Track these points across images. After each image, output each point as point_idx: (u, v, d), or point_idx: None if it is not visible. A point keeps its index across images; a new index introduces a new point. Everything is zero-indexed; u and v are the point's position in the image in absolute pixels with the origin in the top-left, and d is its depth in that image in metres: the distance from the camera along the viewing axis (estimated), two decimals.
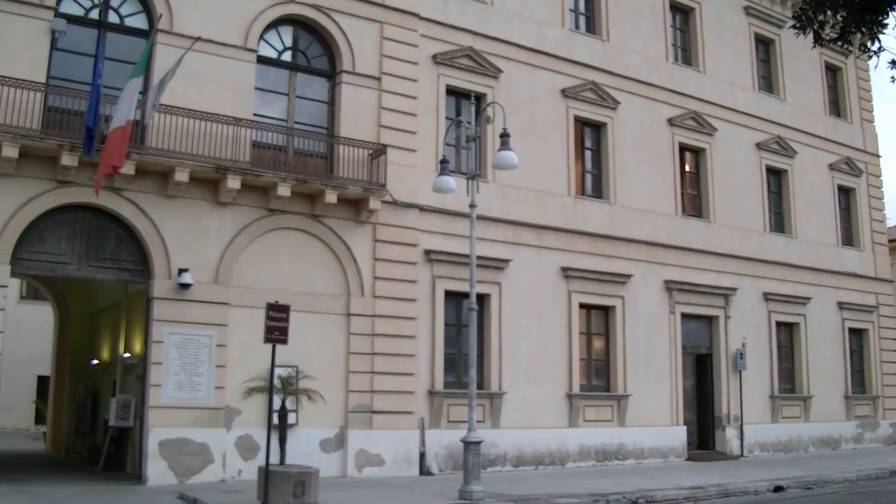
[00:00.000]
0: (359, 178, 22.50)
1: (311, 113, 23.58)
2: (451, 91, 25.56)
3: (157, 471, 19.89)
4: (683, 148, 30.88)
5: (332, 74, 23.88)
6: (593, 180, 28.66)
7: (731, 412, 30.26)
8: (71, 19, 20.53)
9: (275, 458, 16.96)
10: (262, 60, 22.80)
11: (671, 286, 29.01)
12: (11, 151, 18.60)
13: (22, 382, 39.42)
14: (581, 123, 28.47)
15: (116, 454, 23.56)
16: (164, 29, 21.10)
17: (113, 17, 21.33)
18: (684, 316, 29.54)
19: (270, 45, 23.18)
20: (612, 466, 26.29)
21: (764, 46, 34.79)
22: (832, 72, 37.30)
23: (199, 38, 20.29)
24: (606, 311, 27.86)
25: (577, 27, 29.10)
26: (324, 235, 22.57)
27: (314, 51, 23.85)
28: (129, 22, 21.49)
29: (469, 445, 18.62)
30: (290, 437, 19.16)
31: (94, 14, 21.07)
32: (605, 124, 28.79)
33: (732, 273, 31.07)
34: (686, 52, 32.17)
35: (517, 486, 20.60)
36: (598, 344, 27.79)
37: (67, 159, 19.05)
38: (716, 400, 30.34)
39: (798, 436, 32.11)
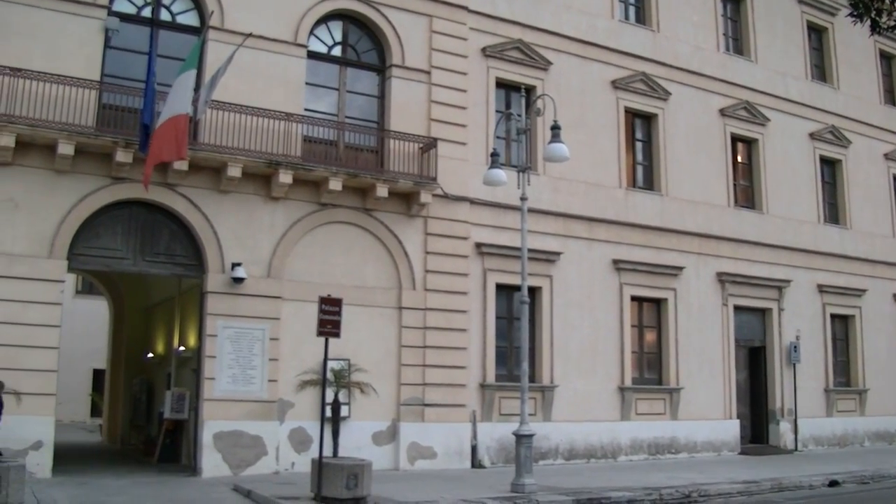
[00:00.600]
0: (409, 172, 22.55)
1: (362, 107, 23.66)
2: (501, 84, 25.49)
3: (211, 463, 20.13)
4: (735, 138, 30.55)
5: (381, 69, 23.95)
6: (644, 172, 28.47)
7: (785, 406, 29.92)
8: (124, 17, 20.82)
9: (328, 451, 17.04)
10: (312, 56, 22.92)
11: (724, 278, 28.74)
12: (67, 149, 18.89)
13: (78, 376, 39.99)
14: (631, 115, 28.28)
15: (171, 446, 23.86)
16: (215, 26, 21.29)
17: (165, 15, 21.59)
18: (737, 308, 29.26)
19: (321, 40, 23.28)
20: (664, 460, 26.16)
21: (816, 35, 34.28)
22: (887, 60, 36.66)
23: (250, 35, 20.41)
24: (658, 303, 27.69)
25: (626, 18, 28.89)
26: (375, 229, 22.66)
27: (364, 45, 23.92)
28: (180, 19, 21.73)
29: (521, 438, 18.61)
30: (343, 430, 19.25)
31: (147, 12, 21.38)
32: (655, 115, 28.57)
33: (786, 265, 30.69)
34: (737, 41, 31.80)
35: (569, 480, 20.54)
36: (649, 337, 27.62)
37: (122, 156, 19.32)
38: (769, 393, 30.02)
39: (853, 430, 31.68)
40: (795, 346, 30.10)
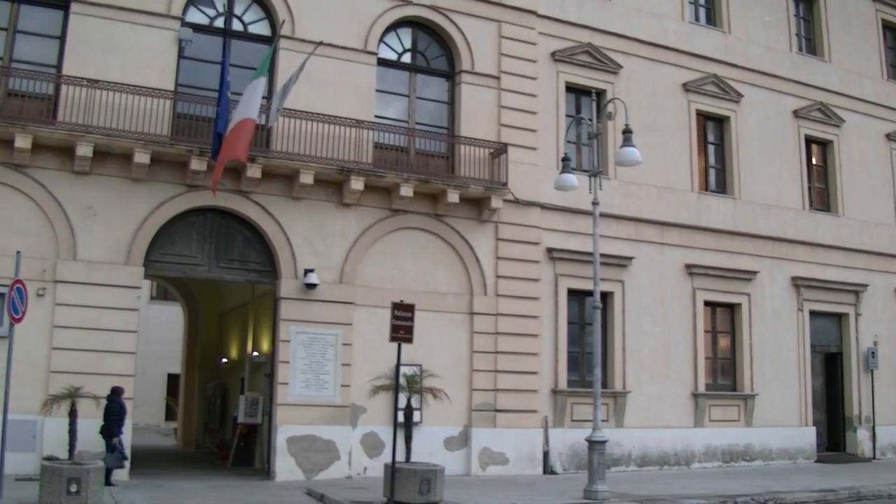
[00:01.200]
0: (480, 178, 22.55)
1: (431, 113, 23.73)
2: (571, 88, 25.39)
3: (284, 467, 20.33)
4: (810, 140, 30.02)
5: (451, 74, 24.00)
6: (717, 175, 28.14)
7: (863, 413, 29.33)
8: (197, 28, 21.18)
9: (400, 456, 17.09)
10: (382, 63, 23.06)
11: (799, 283, 28.28)
12: (143, 157, 19.26)
13: (153, 380, 40.63)
14: (703, 117, 27.98)
15: (245, 450, 24.10)
16: (286, 35, 21.54)
17: (237, 25, 21.90)
18: (813, 313, 28.74)
19: (390, 47, 23.41)
20: (738, 468, 25.80)
21: (892, 33, 33.58)
22: None
23: (320, 43, 20.56)
24: (732, 308, 27.33)
25: (696, 19, 28.58)
26: (446, 235, 22.70)
27: (433, 51, 24.00)
28: (252, 29, 22.03)
29: (594, 445, 18.47)
30: (415, 435, 19.27)
31: (219, 22, 21.68)
32: (727, 118, 28.22)
33: (863, 269, 30.05)
34: (810, 41, 31.28)
35: (642, 487, 20.39)
36: (723, 342, 27.29)
37: (196, 164, 19.63)
38: (846, 400, 29.42)
39: None
40: (873, 352, 29.48)
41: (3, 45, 19.68)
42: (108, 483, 17.51)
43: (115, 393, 18.56)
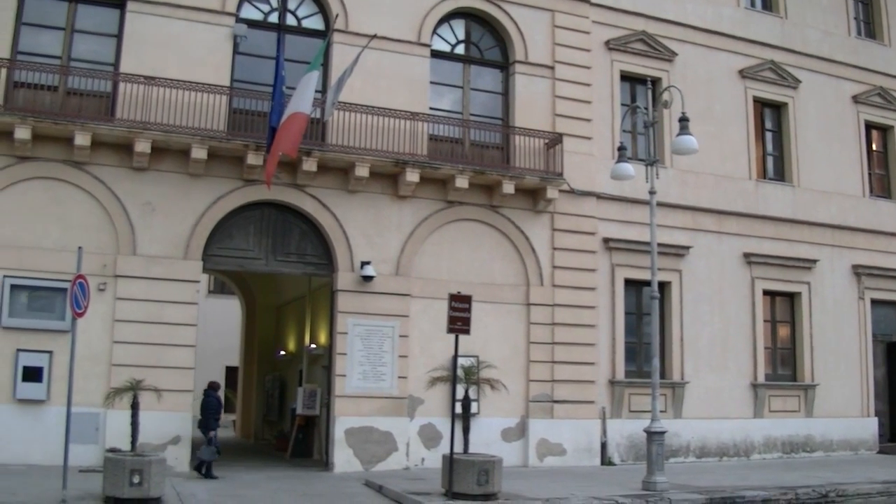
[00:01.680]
0: (535, 168, 22.48)
1: (485, 104, 23.67)
2: (626, 77, 25.22)
3: (343, 458, 20.47)
4: (870, 126, 29.47)
5: (505, 65, 23.92)
6: (775, 163, 27.78)
7: None
8: (251, 24, 21.38)
9: (458, 447, 17.10)
10: (435, 54, 23.06)
11: (860, 271, 27.83)
12: (200, 153, 19.48)
13: (212, 373, 40.65)
14: (760, 104, 27.62)
15: (303, 441, 24.29)
16: (340, 28, 21.63)
17: (291, 20, 22.02)
18: (874, 302, 28.26)
19: (443, 38, 23.40)
20: (798, 459, 25.51)
21: None
22: None
23: (374, 36, 20.61)
24: (791, 297, 26.98)
25: (752, 5, 28.19)
26: (502, 226, 22.66)
27: (486, 42, 23.94)
28: (306, 24, 22.15)
29: (652, 435, 18.39)
30: (472, 426, 19.27)
31: (273, 18, 21.83)
32: (785, 104, 27.84)
33: None
34: (869, 24, 30.67)
35: (701, 478, 20.21)
36: (783, 332, 26.96)
37: (252, 158, 19.79)
38: None
39: None
40: None
41: (62, 44, 19.99)
42: (209, 475, 18.47)
43: (212, 388, 19.43)
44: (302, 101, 18.24)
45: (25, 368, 18.36)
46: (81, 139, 18.65)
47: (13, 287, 18.59)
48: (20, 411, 18.28)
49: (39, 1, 19.96)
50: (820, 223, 27.39)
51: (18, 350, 18.40)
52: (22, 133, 18.32)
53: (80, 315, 15.72)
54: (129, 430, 15.36)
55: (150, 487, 14.22)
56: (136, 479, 14.06)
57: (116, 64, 20.05)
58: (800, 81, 27.88)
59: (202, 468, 18.80)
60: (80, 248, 16.29)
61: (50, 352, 18.52)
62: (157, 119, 19.19)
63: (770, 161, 27.75)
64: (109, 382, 18.13)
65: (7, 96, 18.82)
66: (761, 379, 25.60)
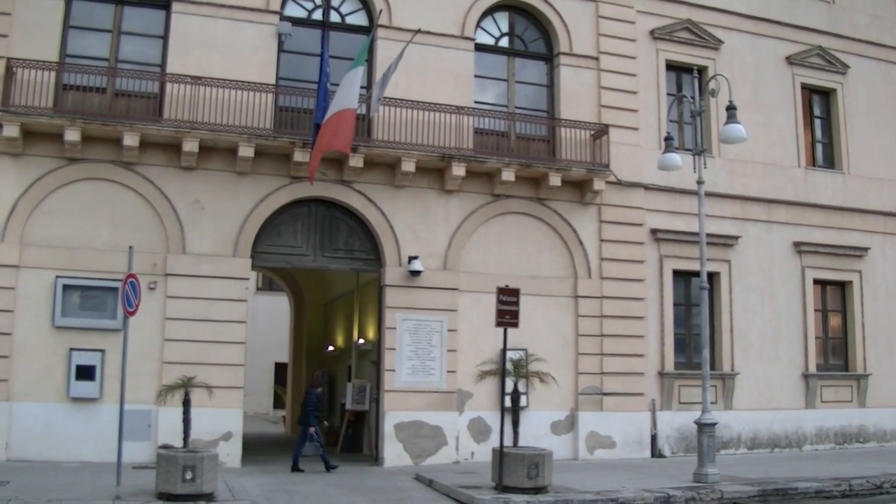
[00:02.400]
0: (582, 160, 22.38)
1: (530, 96, 23.60)
2: (671, 66, 25.01)
3: (392, 452, 20.54)
4: None
5: (549, 57, 23.83)
6: (824, 150, 27.41)
7: None
8: (295, 22, 21.50)
9: (507, 441, 17.09)
10: (479, 48, 23.03)
11: None
12: (248, 151, 19.63)
13: (261, 369, 41.39)
14: (808, 91, 27.27)
15: (353, 436, 24.40)
16: (383, 24, 21.64)
17: (334, 17, 22.11)
18: None
19: (487, 32, 23.34)
20: (851, 449, 25.19)
21: None
22: None
23: (418, 31, 20.59)
24: (842, 286, 26.63)
25: None
26: (549, 218, 22.59)
27: (531, 35, 23.85)
28: (349, 20, 22.23)
29: (703, 427, 18.27)
30: (522, 420, 19.20)
31: (317, 15, 21.91)
32: (834, 90, 27.47)
33: None
34: None
35: (752, 469, 20.05)
36: (834, 321, 26.62)
37: (299, 155, 19.89)
38: None
39: None
40: None
41: (109, 46, 20.23)
42: (295, 469, 19.48)
43: (313, 385, 20.08)
44: (348, 98, 18.33)
45: (78, 367, 18.64)
46: (130, 140, 18.86)
47: (65, 287, 18.85)
48: (74, 409, 18.55)
49: (86, 4, 20.21)
50: (871, 210, 26.99)
51: (71, 349, 18.68)
52: (72, 135, 18.56)
53: (132, 314, 15.92)
54: (181, 427, 15.46)
55: (203, 483, 14.33)
56: (188, 476, 14.17)
57: (163, 65, 20.26)
58: (848, 67, 27.48)
59: (325, 463, 19.63)
60: (130, 247, 16.55)
61: (102, 350, 18.76)
62: (205, 118, 19.36)
63: (819, 148, 27.39)
64: (161, 380, 18.33)
65: (56, 99, 19.09)
66: (812, 369, 25.30)
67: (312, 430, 19.67)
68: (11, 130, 18.31)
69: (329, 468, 19.49)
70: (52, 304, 18.72)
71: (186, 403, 15.55)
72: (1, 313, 18.35)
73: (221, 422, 19.13)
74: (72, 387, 18.54)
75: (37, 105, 18.54)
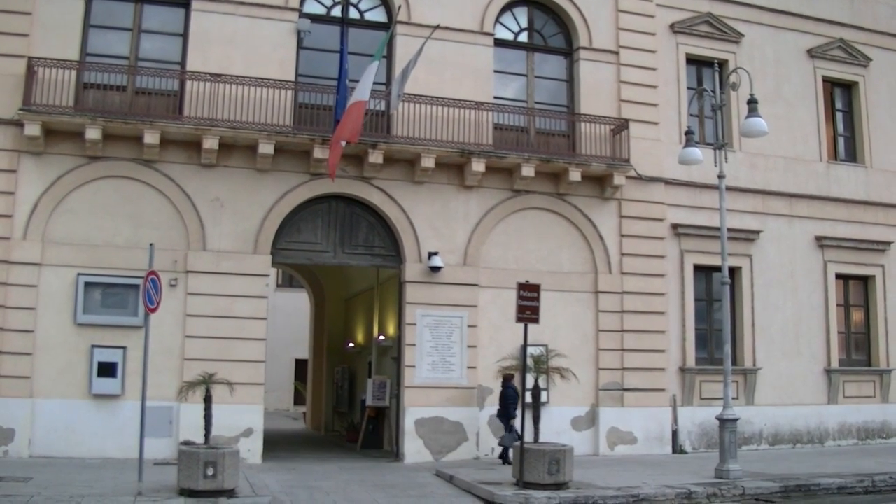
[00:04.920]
0: (602, 155, 22.32)
1: (550, 91, 23.53)
2: (691, 60, 24.89)
3: (413, 448, 20.57)
4: None
5: (569, 52, 23.76)
6: (846, 143, 27.21)
7: None
8: (314, 18, 21.54)
9: (528, 436, 17.08)
10: (499, 43, 22.98)
11: None
12: (267, 148, 19.68)
13: (281, 366, 41.49)
14: (830, 84, 27.09)
15: (373, 433, 24.41)
16: (402, 20, 21.67)
17: (353, 14, 22.12)
18: None
19: (506, 27, 23.30)
20: (874, 445, 25.02)
21: None
22: None
23: (437, 27, 20.58)
24: (865, 281, 26.44)
25: None
26: (569, 213, 22.54)
27: (550, 29, 23.78)
28: (368, 16, 22.25)
29: (725, 423, 18.22)
30: (542, 416, 19.16)
31: (336, 11, 21.94)
32: (856, 83, 27.26)
33: None
34: None
35: (775, 465, 19.96)
36: (857, 316, 26.43)
37: (319, 152, 19.91)
38: None
39: None
40: None
41: (129, 44, 20.32)
42: (505, 461, 19.85)
43: (508, 380, 20.07)
44: (361, 90, 18.36)
45: (100, 364, 18.76)
46: (151, 138, 18.95)
47: (87, 284, 18.97)
48: (96, 406, 18.67)
49: (106, 2, 20.32)
50: (894, 204, 26.76)
51: (93, 346, 18.80)
52: (92, 133, 18.67)
53: (153, 311, 15.99)
54: (203, 424, 15.51)
55: (224, 479, 14.37)
56: (210, 472, 14.21)
57: (183, 62, 20.34)
58: (870, 59, 27.26)
59: (506, 454, 19.91)
60: (151, 244, 16.61)
61: (124, 347, 18.87)
62: (224, 116, 19.41)
63: (841, 142, 27.21)
64: (182, 376, 18.39)
65: (77, 98, 19.21)
66: (835, 364, 25.16)
67: (513, 422, 19.94)
68: (33, 129, 18.43)
69: (506, 461, 19.73)
70: (74, 301, 18.84)
71: (208, 400, 15.60)
72: (23, 311, 18.48)
73: (242, 418, 19.20)
74: (94, 383, 18.65)
75: (58, 104, 18.66)
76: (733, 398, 19.85)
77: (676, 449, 22.74)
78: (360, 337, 28.64)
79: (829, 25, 26.93)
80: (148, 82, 19.79)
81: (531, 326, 17.08)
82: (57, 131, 18.91)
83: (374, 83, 19.18)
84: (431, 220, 21.40)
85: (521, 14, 23.55)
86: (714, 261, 21.74)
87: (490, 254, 21.84)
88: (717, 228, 19.93)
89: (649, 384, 22.50)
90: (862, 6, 27.63)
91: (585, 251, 22.61)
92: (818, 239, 25.47)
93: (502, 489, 15.93)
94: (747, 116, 18.81)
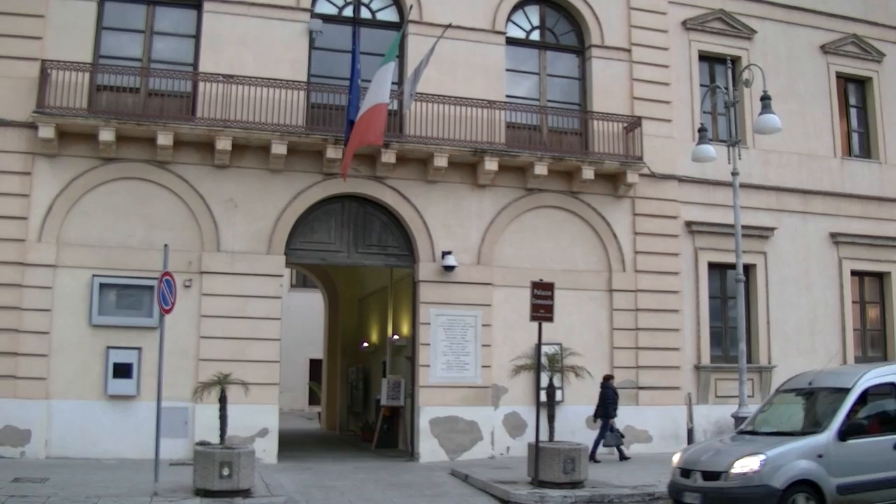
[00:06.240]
0: (615, 153, 22.29)
1: (562, 90, 23.51)
2: (704, 57, 24.83)
3: (428, 448, 20.58)
4: None
5: (581, 50, 23.72)
6: (860, 139, 27.09)
7: None
8: (326, 19, 21.58)
9: (543, 435, 17.05)
10: (511, 41, 22.99)
11: None
12: (280, 149, 19.72)
13: (296, 366, 41.53)
14: (843, 80, 26.95)
15: (388, 432, 24.42)
16: (414, 20, 21.67)
17: (365, 13, 22.16)
18: None
19: (518, 25, 23.29)
20: None
21: None
22: None
23: (449, 26, 20.55)
24: (880, 277, 26.28)
25: None
26: (582, 212, 22.51)
27: (562, 27, 23.75)
28: (380, 16, 22.28)
29: (740, 421, 18.04)
30: (557, 414, 19.14)
31: (347, 11, 21.97)
32: (869, 79, 27.13)
33: None
34: None
35: None
36: (872, 313, 26.29)
37: (332, 152, 19.96)
38: None
39: None
40: None
41: (142, 46, 20.39)
42: (622, 457, 20.63)
43: (607, 380, 20.58)
44: (380, 93, 18.34)
45: (116, 365, 18.84)
46: (164, 139, 19.01)
47: (102, 286, 19.05)
48: (111, 407, 18.74)
49: (118, 5, 20.40)
50: None
51: (108, 347, 18.88)
52: (106, 135, 18.73)
53: (168, 311, 16.02)
54: (218, 424, 15.55)
55: (240, 479, 14.39)
56: (225, 472, 14.23)
57: (195, 63, 20.39)
58: (884, 55, 27.12)
59: (620, 454, 20.62)
60: (166, 245, 16.64)
61: (139, 348, 18.94)
62: (237, 117, 19.46)
63: (855, 138, 27.09)
64: (197, 377, 18.44)
65: (91, 100, 19.28)
66: (851, 361, 24.96)
67: (612, 421, 20.38)
68: (47, 131, 18.52)
69: (623, 458, 20.28)
70: (89, 302, 18.93)
71: (223, 400, 15.62)
72: (39, 312, 18.55)
73: (257, 418, 19.23)
74: (109, 384, 18.73)
75: (71, 106, 18.74)
76: (749, 396, 19.74)
77: None
78: (374, 336, 28.65)
79: (842, 21, 26.81)
80: (161, 84, 19.83)
81: (545, 325, 17.05)
82: (71, 133, 18.99)
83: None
84: (445, 220, 21.40)
85: (533, 12, 23.53)
86: (728, 258, 21.64)
87: (503, 252, 21.82)
88: (731, 226, 19.85)
89: (664, 382, 22.45)
90: (875, 1, 27.50)
91: (599, 249, 22.57)
92: (833, 235, 25.36)
93: (517, 488, 15.92)
94: (761, 113, 18.70)
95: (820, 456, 12.73)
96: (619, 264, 22.61)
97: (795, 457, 12.72)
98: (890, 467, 13.04)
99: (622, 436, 20.66)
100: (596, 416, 20.69)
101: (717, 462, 13.13)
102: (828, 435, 12.94)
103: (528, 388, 20.40)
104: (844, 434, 12.95)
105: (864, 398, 13.61)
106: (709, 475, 13.02)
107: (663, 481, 16.73)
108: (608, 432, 20.48)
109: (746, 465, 12.60)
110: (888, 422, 13.66)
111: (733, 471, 12.66)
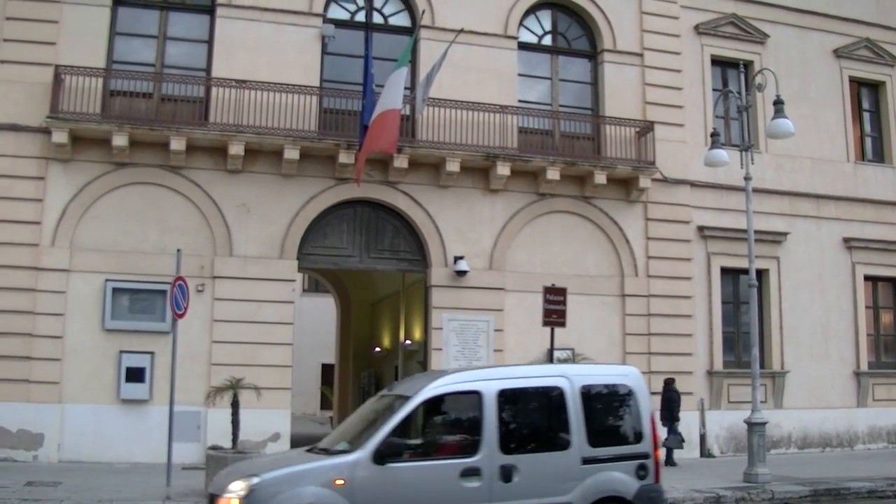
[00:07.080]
0: (627, 157, 22.27)
1: (574, 94, 23.53)
2: (716, 61, 24.81)
3: None
4: None
5: (593, 54, 23.73)
6: (874, 144, 27.00)
7: None
8: (338, 24, 21.62)
9: None
10: (523, 46, 23.00)
11: None
12: (293, 153, 19.76)
13: (308, 370, 41.50)
14: (856, 84, 26.89)
15: None
16: (426, 24, 21.71)
17: (377, 18, 22.20)
18: None
19: (530, 30, 23.31)
20: None
21: None
22: None
23: (461, 31, 20.60)
24: (894, 282, 26.24)
25: None
26: (594, 217, 22.49)
27: (574, 32, 23.76)
28: (392, 21, 22.30)
29: (753, 426, 18.06)
30: None
31: (360, 17, 22.00)
32: (883, 83, 27.06)
33: None
34: None
35: (804, 469, 19.76)
36: (886, 318, 26.21)
37: (344, 157, 19.99)
38: None
39: None
40: None
41: (155, 51, 20.46)
42: (669, 463, 20.12)
43: (670, 383, 20.75)
44: (392, 98, 18.37)
45: (128, 369, 18.88)
46: (177, 144, 19.06)
47: (115, 290, 19.10)
48: (124, 411, 18.77)
49: (131, 10, 20.50)
50: None
51: (121, 351, 18.91)
52: (119, 140, 18.80)
53: (181, 316, 16.05)
54: (230, 428, 15.59)
55: None
56: None
57: (208, 69, 20.45)
58: None
59: (670, 456, 20.37)
60: (178, 250, 16.67)
61: (151, 353, 18.98)
62: (250, 122, 19.51)
63: (869, 142, 27.02)
64: (209, 381, 18.46)
65: (104, 105, 19.34)
66: (864, 367, 24.95)
67: (676, 424, 20.67)
68: (60, 136, 18.58)
69: (669, 463, 20.14)
70: (102, 307, 18.98)
71: (235, 405, 15.66)
72: (52, 317, 18.61)
73: (270, 422, 19.24)
74: (122, 389, 18.77)
75: (85, 111, 18.81)
76: (761, 401, 19.73)
77: (704, 453, 22.63)
78: (386, 341, 28.66)
79: (855, 25, 26.76)
80: (174, 89, 19.90)
81: (558, 330, 17.07)
82: (84, 138, 19.06)
83: None
84: (457, 224, 21.40)
85: (545, 17, 23.55)
86: (741, 263, 21.62)
87: (516, 257, 21.81)
88: (744, 230, 19.79)
89: (677, 388, 22.33)
90: (888, 5, 27.43)
91: (611, 254, 22.55)
92: (846, 240, 25.29)
93: None
94: (773, 117, 18.66)
95: (340, 482, 9.73)
96: (631, 269, 22.58)
97: (307, 482, 9.73)
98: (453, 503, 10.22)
99: (682, 440, 20.74)
100: (661, 419, 20.47)
101: (219, 485, 10.32)
102: (358, 455, 9.92)
103: None
104: (382, 455, 9.86)
105: (433, 410, 10.84)
106: (211, 499, 10.19)
107: (676, 487, 16.74)
108: (671, 435, 20.56)
109: (235, 489, 9.66)
110: (463, 443, 10.60)
111: (224, 496, 9.76)
